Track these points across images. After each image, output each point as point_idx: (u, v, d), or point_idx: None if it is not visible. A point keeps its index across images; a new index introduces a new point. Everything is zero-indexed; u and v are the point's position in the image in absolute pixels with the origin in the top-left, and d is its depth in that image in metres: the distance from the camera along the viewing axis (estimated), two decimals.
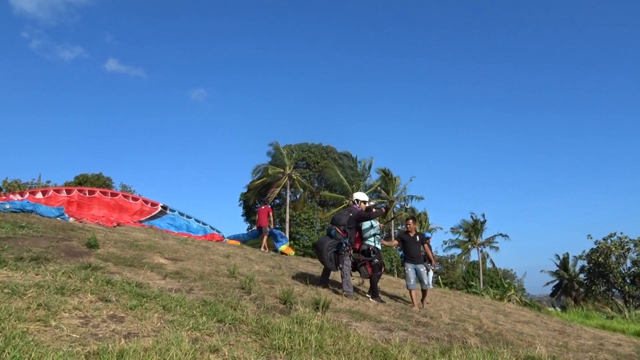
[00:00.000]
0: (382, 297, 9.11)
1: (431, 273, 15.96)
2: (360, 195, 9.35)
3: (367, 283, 9.68)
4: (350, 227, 8.57)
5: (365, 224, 8.90)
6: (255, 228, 17.42)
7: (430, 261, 10.27)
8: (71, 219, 11.98)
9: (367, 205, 9.27)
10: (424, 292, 9.45)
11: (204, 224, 17.69)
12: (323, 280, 8.88)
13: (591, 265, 53.59)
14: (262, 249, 15.78)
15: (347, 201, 40.96)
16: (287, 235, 38.83)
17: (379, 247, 9.03)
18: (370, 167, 45.76)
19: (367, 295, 8.87)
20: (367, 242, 8.88)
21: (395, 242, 10.12)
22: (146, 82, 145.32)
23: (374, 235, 8.93)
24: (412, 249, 9.35)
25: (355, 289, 9.41)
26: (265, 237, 16.35)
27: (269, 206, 18.33)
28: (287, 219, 41.77)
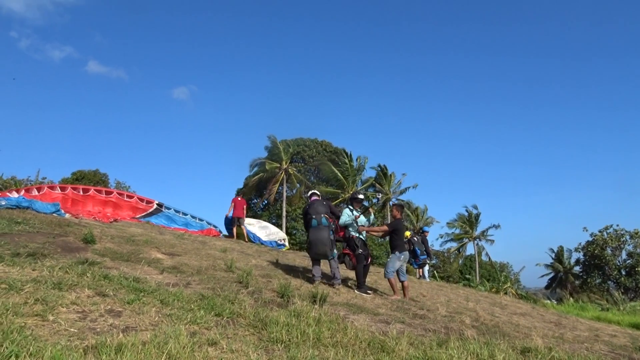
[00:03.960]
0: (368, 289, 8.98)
1: (427, 267, 16.02)
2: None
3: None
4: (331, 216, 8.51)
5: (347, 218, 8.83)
6: (231, 217, 17.13)
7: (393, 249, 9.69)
8: (67, 215, 11.95)
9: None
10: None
11: (200, 220, 17.66)
12: (318, 274, 8.70)
13: (587, 257, 53.87)
14: (236, 238, 16.03)
15: (343, 195, 41.07)
16: (284, 230, 38.93)
17: (364, 237, 8.99)
18: (365, 163, 45.90)
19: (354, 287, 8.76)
20: (350, 232, 8.79)
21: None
22: (127, 82, 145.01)
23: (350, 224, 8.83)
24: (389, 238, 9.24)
25: (345, 280, 9.44)
26: (243, 227, 16.58)
27: (243, 198, 18.34)
28: (284, 214, 41.80)
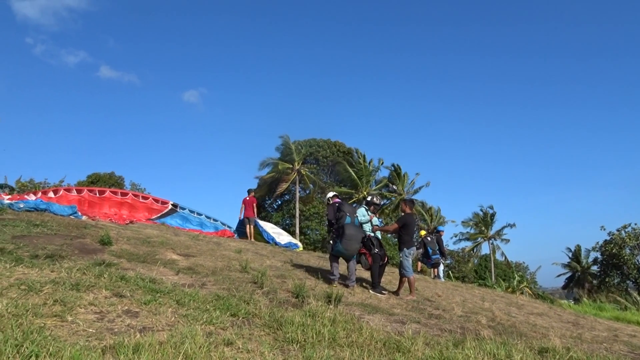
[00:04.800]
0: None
1: (442, 267, 15.93)
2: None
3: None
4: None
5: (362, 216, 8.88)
6: (242, 219, 17.11)
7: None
8: (84, 217, 12.10)
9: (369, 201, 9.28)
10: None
11: (214, 220, 17.75)
12: (337, 274, 8.67)
13: (605, 256, 53.11)
14: (250, 239, 15.96)
15: (357, 196, 41.05)
16: (297, 230, 39.00)
17: (379, 236, 8.96)
18: (380, 164, 45.88)
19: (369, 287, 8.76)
20: (366, 231, 8.78)
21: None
22: (139, 86, 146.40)
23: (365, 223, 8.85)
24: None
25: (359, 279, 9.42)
26: (252, 227, 16.50)
27: (254, 196, 17.90)
28: (297, 214, 41.85)
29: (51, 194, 14.08)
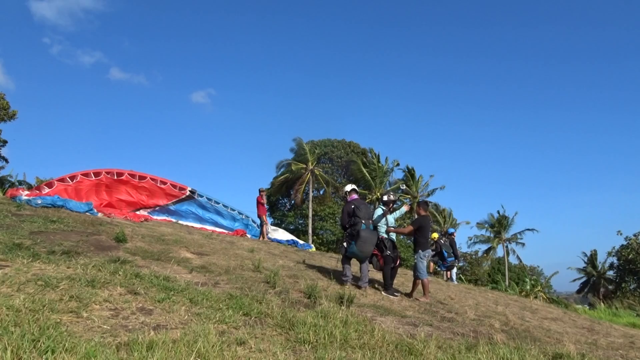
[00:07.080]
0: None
1: (454, 269, 15.83)
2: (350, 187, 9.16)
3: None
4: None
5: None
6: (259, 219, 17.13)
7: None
8: (99, 214, 12.24)
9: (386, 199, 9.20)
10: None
11: (232, 209, 17.64)
12: (350, 275, 8.65)
13: (621, 262, 52.33)
14: (262, 238, 15.94)
15: (370, 197, 40.98)
16: (310, 231, 39.00)
17: (393, 239, 8.92)
18: (395, 165, 45.79)
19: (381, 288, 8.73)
20: (380, 232, 8.73)
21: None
22: (148, 87, 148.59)
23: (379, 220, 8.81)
24: None
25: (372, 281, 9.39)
26: (265, 227, 16.52)
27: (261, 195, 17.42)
28: (310, 215, 41.85)
29: (68, 181, 13.91)
